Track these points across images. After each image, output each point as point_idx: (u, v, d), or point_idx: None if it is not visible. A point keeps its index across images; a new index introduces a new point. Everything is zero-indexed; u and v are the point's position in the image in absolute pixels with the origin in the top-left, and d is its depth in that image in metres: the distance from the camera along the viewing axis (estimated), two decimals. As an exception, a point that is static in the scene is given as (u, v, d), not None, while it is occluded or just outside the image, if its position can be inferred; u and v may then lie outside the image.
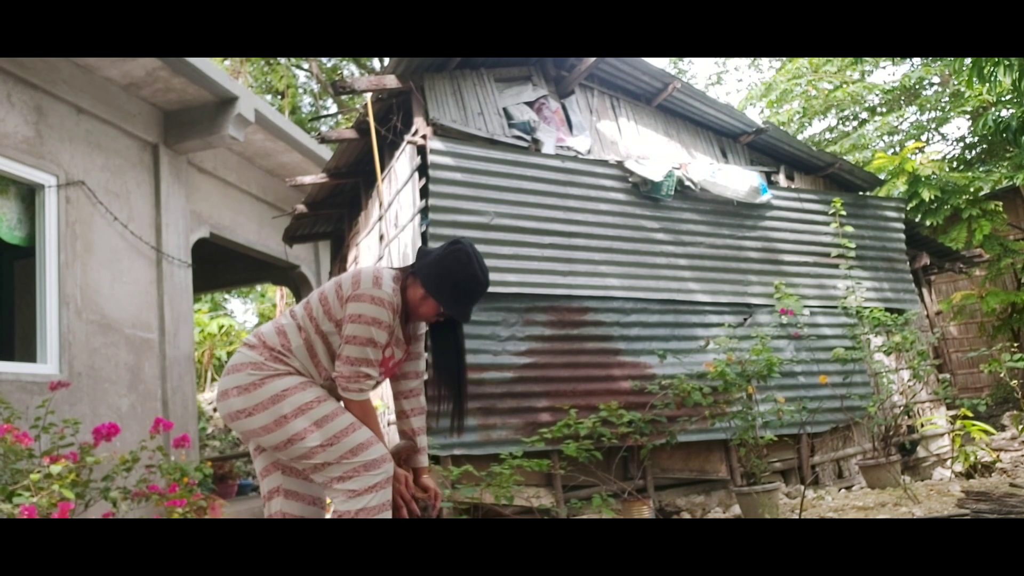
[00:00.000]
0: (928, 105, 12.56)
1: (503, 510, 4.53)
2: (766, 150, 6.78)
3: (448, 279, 2.20)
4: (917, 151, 9.28)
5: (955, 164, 11.70)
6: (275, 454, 2.21)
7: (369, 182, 6.64)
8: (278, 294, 14.82)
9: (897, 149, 12.10)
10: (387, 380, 2.40)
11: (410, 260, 5.04)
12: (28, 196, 5.27)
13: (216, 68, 6.17)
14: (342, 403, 2.24)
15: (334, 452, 2.12)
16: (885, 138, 13.12)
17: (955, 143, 12.54)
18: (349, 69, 17.62)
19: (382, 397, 5.11)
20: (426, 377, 2.47)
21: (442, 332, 2.39)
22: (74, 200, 5.44)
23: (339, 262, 7.86)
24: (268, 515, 2.27)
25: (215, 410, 11.00)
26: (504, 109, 5.53)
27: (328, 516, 2.26)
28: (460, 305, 2.23)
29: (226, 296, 17.78)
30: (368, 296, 2.16)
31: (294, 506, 2.26)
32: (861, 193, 7.28)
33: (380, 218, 5.79)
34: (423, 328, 2.47)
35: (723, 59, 19.14)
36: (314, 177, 6.92)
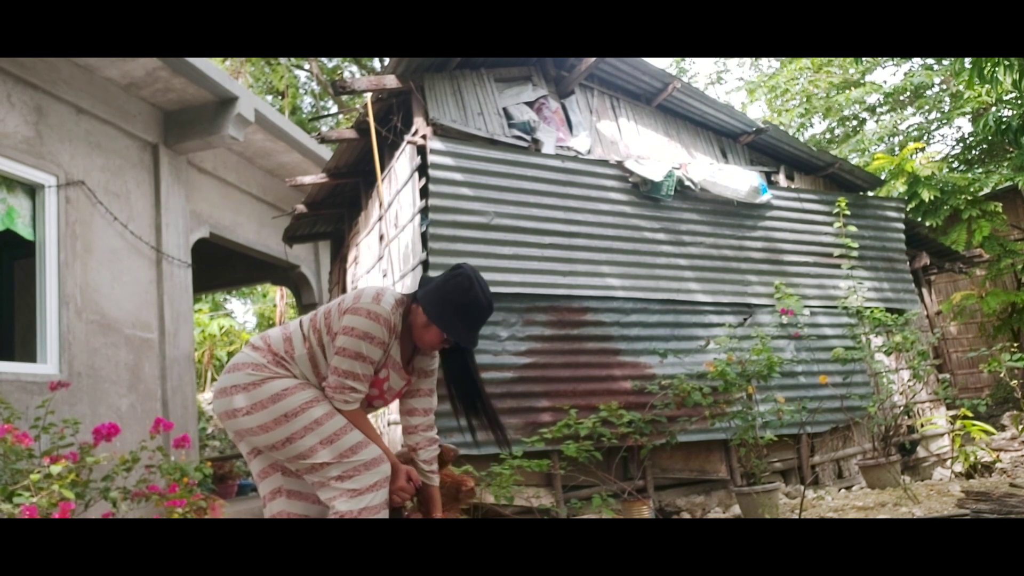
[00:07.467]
0: (928, 106, 12.56)
1: (503, 510, 4.53)
2: (766, 150, 6.77)
3: (449, 305, 2.17)
4: (917, 152, 9.28)
5: (955, 164, 11.70)
6: (272, 454, 2.21)
7: (369, 182, 6.64)
8: (278, 294, 14.81)
9: (897, 151, 12.09)
10: (394, 405, 2.40)
11: (411, 261, 5.05)
12: (29, 196, 5.27)
13: (216, 68, 6.17)
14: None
15: (333, 451, 2.13)
16: (885, 139, 13.11)
17: (955, 143, 12.54)
18: (349, 69, 17.62)
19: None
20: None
21: (452, 360, 2.37)
22: (74, 200, 5.44)
23: (339, 262, 7.86)
24: (269, 516, 2.27)
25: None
26: (504, 109, 5.53)
27: (329, 516, 2.27)
28: (463, 330, 2.20)
29: (226, 296, 17.78)
30: (364, 310, 2.16)
31: (297, 505, 2.26)
32: (861, 193, 7.28)
33: (380, 218, 5.79)
34: (434, 364, 2.44)
35: (723, 59, 19.13)
36: (314, 177, 6.92)
